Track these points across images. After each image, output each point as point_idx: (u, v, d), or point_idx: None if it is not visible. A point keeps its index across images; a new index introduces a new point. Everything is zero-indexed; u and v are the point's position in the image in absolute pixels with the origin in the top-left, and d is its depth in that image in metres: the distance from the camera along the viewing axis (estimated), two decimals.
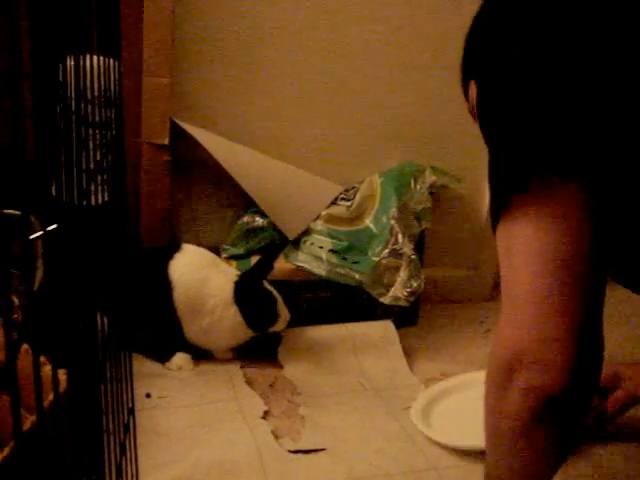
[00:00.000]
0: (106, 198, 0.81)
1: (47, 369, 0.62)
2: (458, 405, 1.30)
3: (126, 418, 0.86)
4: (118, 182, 0.85)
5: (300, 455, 1.16)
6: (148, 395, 1.30)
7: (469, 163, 1.82)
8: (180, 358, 1.42)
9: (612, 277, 0.81)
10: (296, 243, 1.64)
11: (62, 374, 0.66)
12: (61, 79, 0.61)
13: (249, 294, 1.41)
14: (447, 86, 1.72)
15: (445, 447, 1.18)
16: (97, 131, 0.75)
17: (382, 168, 1.74)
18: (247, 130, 1.68)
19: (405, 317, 1.65)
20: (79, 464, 0.68)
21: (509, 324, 0.74)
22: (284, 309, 1.44)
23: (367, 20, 1.69)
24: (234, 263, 1.61)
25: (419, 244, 1.64)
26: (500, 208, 0.75)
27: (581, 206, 0.71)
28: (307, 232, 1.65)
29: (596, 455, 1.19)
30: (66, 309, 0.62)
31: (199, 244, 1.51)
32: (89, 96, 0.66)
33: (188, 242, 1.51)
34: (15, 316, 0.81)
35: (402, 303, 1.54)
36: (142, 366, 1.38)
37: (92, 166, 0.70)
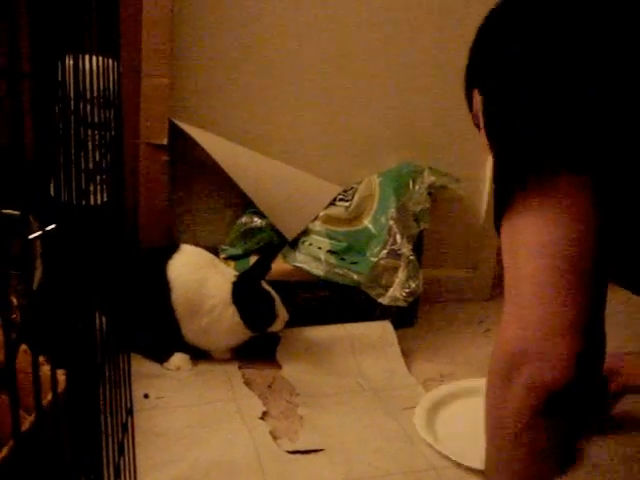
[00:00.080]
0: (105, 198, 0.82)
1: (46, 369, 0.62)
2: (464, 412, 1.30)
3: (124, 418, 0.86)
4: (117, 182, 0.85)
5: (298, 455, 1.16)
6: (146, 395, 1.30)
7: (468, 164, 1.83)
8: (178, 358, 1.42)
9: (611, 278, 0.81)
10: (294, 244, 1.65)
11: (61, 374, 0.66)
12: (60, 79, 0.61)
13: (247, 294, 1.41)
14: (446, 87, 1.73)
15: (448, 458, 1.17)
16: (96, 131, 0.76)
17: (381, 168, 1.74)
18: (246, 130, 1.68)
19: (403, 317, 1.65)
20: (77, 464, 0.68)
21: (513, 319, 0.74)
22: (282, 309, 1.44)
23: (366, 22, 1.69)
24: (232, 263, 1.61)
25: (418, 244, 1.64)
26: (504, 206, 0.75)
27: (584, 203, 0.71)
28: (305, 233, 1.65)
29: (595, 458, 1.19)
30: (65, 309, 0.62)
31: (197, 244, 1.51)
32: (88, 96, 0.66)
33: (186, 242, 1.51)
34: (13, 316, 0.81)
35: (400, 304, 1.55)
36: (140, 366, 1.38)
37: (91, 166, 0.70)
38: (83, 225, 0.65)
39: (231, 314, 1.40)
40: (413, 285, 1.55)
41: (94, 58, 0.68)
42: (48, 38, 0.59)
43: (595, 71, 0.71)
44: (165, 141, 1.56)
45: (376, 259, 1.57)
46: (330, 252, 1.61)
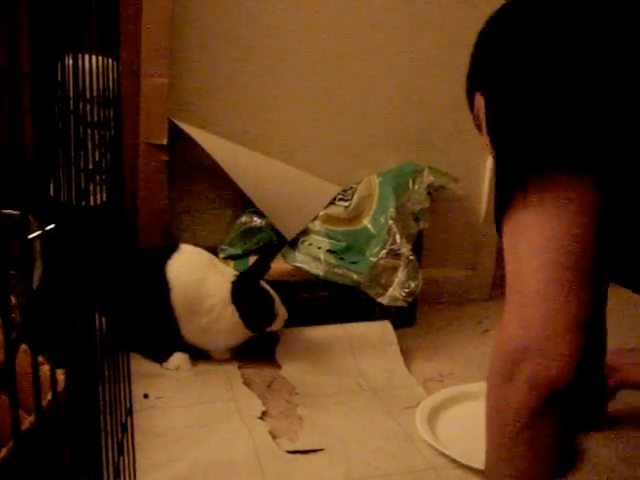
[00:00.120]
0: (104, 198, 0.81)
1: (45, 369, 0.62)
2: (465, 415, 1.30)
3: (124, 418, 0.85)
4: (116, 182, 0.85)
5: (298, 455, 1.16)
6: (146, 395, 1.30)
7: (467, 163, 1.83)
8: (178, 358, 1.42)
9: (612, 277, 0.82)
10: (294, 243, 1.65)
11: (60, 374, 0.65)
12: (60, 79, 0.61)
13: (246, 294, 1.41)
14: (446, 88, 1.73)
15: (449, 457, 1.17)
16: (96, 131, 0.75)
17: (380, 168, 1.74)
18: (245, 130, 1.68)
19: (403, 317, 1.66)
20: (77, 464, 0.68)
21: (514, 317, 0.74)
22: (282, 309, 1.44)
23: (366, 22, 1.69)
24: (232, 263, 1.61)
25: (417, 244, 1.64)
26: (506, 204, 0.76)
27: (585, 200, 0.71)
28: (305, 232, 1.65)
29: (595, 458, 1.19)
30: (64, 309, 0.62)
31: (197, 244, 1.51)
32: (88, 96, 0.66)
33: (186, 242, 1.51)
34: (13, 315, 0.81)
35: (400, 303, 1.55)
36: (140, 366, 1.38)
37: (90, 166, 0.70)
38: (82, 225, 0.65)
39: (230, 314, 1.40)
40: (412, 285, 1.55)
41: (94, 58, 0.68)
42: (48, 38, 0.59)
43: (594, 71, 0.71)
44: (165, 141, 1.56)
45: (375, 259, 1.57)
46: (329, 252, 1.61)
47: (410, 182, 1.66)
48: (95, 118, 0.72)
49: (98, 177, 0.76)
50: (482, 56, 0.86)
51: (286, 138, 1.72)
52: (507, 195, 0.75)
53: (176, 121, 1.58)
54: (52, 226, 0.57)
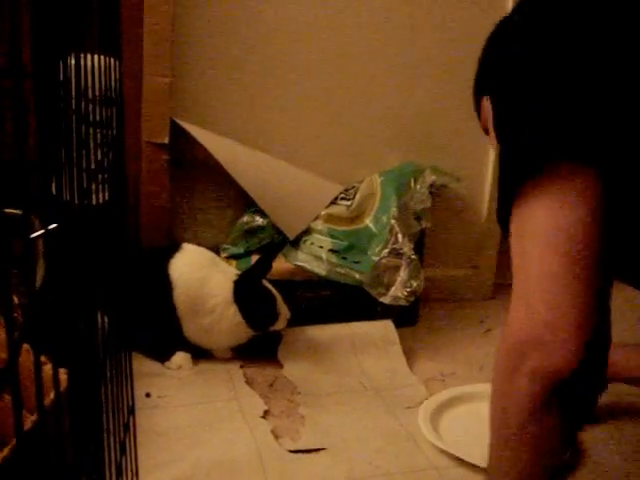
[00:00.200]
0: (106, 197, 0.81)
1: (48, 368, 0.62)
2: (467, 416, 1.29)
3: (126, 417, 0.86)
4: (118, 181, 0.85)
5: (300, 455, 1.16)
6: (148, 394, 1.30)
7: (469, 163, 1.83)
8: (180, 357, 1.42)
9: (615, 274, 0.82)
10: (296, 243, 1.65)
11: (63, 373, 0.66)
12: (62, 78, 0.61)
13: (249, 293, 1.41)
14: (446, 87, 1.73)
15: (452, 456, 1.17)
16: (98, 130, 0.75)
17: (382, 168, 1.74)
18: (247, 129, 1.68)
19: (405, 317, 1.65)
20: (79, 463, 0.68)
21: (520, 306, 0.75)
22: (284, 308, 1.44)
23: (366, 22, 1.69)
24: (234, 262, 1.61)
25: (419, 244, 1.64)
26: (513, 197, 0.76)
27: (592, 192, 0.72)
28: (307, 232, 1.65)
29: (595, 456, 1.19)
30: (67, 308, 0.62)
31: (199, 243, 1.51)
32: (90, 95, 0.66)
33: (188, 241, 1.51)
34: (15, 315, 0.81)
35: (402, 303, 1.55)
36: (142, 365, 1.38)
37: (93, 165, 0.70)
38: (85, 224, 0.65)
39: (233, 313, 1.40)
40: (414, 284, 1.55)
41: (95, 57, 0.68)
42: (50, 37, 0.59)
43: (600, 67, 0.72)
44: (166, 140, 1.56)
45: (377, 258, 1.57)
46: (332, 251, 1.61)
47: (412, 181, 1.66)
48: (97, 117, 0.72)
49: (100, 176, 0.76)
50: (489, 61, 0.87)
51: (287, 137, 1.72)
52: (516, 187, 0.76)
53: (178, 120, 1.58)
54: (54, 225, 0.57)
